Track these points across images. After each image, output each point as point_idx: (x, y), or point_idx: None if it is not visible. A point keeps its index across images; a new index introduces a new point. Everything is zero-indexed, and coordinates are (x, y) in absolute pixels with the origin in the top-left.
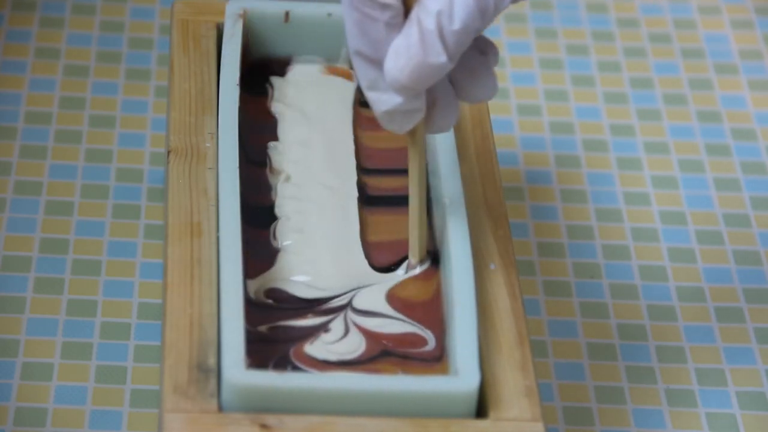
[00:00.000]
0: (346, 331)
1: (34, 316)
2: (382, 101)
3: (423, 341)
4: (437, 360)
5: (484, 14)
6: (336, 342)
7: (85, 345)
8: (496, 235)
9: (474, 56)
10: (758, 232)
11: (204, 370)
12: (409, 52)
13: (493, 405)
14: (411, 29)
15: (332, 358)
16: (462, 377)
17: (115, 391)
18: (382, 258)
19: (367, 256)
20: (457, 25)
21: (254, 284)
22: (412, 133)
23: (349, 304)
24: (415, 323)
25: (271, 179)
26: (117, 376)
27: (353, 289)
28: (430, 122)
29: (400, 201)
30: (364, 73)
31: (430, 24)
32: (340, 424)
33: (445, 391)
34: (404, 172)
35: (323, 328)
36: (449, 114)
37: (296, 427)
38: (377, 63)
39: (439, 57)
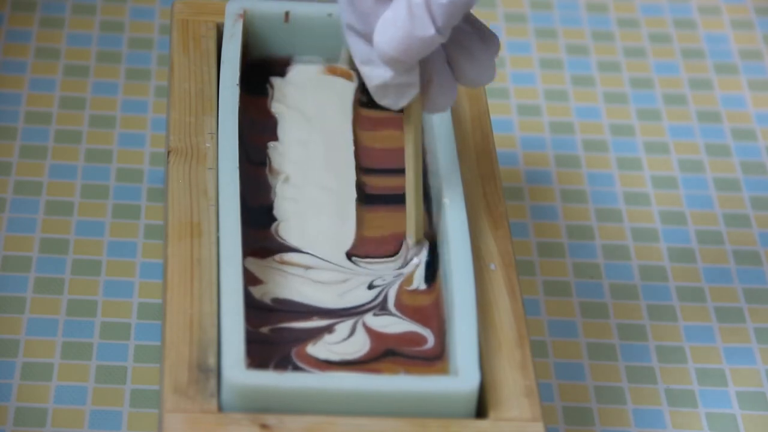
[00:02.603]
0: (352, 332)
1: (34, 316)
2: (375, 75)
3: (423, 340)
4: (437, 358)
5: None
6: (340, 342)
7: (85, 345)
8: (496, 235)
9: (474, 42)
10: (758, 232)
11: (204, 370)
12: (397, 24)
13: (493, 405)
14: (399, 2)
15: (335, 358)
16: (462, 377)
17: (115, 391)
18: (379, 251)
19: (364, 250)
20: None
21: (258, 290)
22: (408, 110)
23: (365, 306)
24: (414, 322)
25: (271, 179)
26: (117, 376)
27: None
28: (427, 100)
29: (399, 200)
30: (356, 47)
31: None
32: (340, 424)
33: (445, 391)
34: (404, 171)
35: (328, 329)
36: (446, 93)
37: (296, 427)
38: (367, 36)
39: (426, 30)
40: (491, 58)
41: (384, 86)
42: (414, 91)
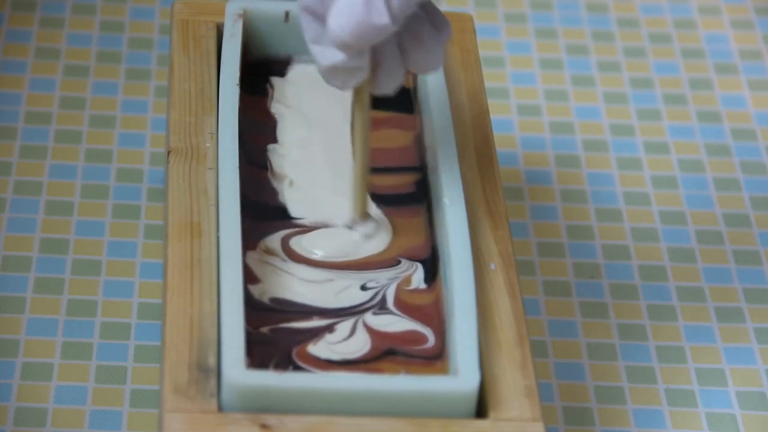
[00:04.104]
0: (353, 331)
1: (34, 316)
2: (325, 56)
3: (424, 339)
4: (438, 358)
5: None
6: (341, 342)
7: (85, 345)
8: (496, 235)
9: (426, 29)
10: (758, 232)
11: (204, 370)
12: (353, 10)
13: (493, 405)
14: None
15: (336, 357)
16: (462, 377)
17: (115, 391)
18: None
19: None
20: None
21: (257, 289)
22: (357, 91)
23: (363, 305)
24: (415, 321)
25: (273, 182)
26: (117, 376)
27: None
28: (374, 83)
29: (400, 200)
30: (309, 26)
31: None
32: (340, 424)
33: (445, 391)
34: (405, 170)
35: (329, 328)
36: (393, 77)
37: (296, 427)
38: (322, 18)
39: (381, 18)
40: (440, 45)
41: (334, 68)
42: (363, 75)
